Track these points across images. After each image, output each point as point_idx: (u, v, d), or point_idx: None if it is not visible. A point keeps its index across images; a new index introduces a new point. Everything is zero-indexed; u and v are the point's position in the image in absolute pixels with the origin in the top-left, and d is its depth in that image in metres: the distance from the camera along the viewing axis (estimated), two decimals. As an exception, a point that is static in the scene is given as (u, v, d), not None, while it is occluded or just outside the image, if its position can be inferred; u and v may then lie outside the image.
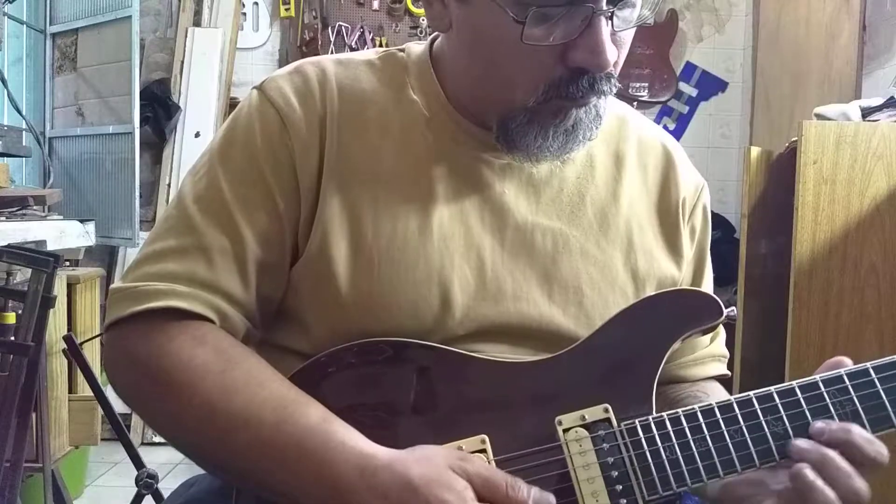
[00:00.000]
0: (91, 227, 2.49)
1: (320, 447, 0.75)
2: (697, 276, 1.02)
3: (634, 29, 0.84)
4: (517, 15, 0.78)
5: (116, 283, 0.87)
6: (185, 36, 3.79)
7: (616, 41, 0.82)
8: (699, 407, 0.80)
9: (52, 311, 2.07)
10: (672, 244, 0.97)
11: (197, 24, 3.83)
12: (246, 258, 0.86)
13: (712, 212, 1.05)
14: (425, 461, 0.74)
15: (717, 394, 0.97)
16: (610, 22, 0.79)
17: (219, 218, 0.86)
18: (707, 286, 1.03)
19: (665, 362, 0.86)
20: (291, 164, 0.87)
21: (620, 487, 0.78)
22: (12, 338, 2.06)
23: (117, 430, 2.28)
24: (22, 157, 2.89)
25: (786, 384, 0.80)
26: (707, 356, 1.02)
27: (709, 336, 1.03)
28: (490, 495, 0.73)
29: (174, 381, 0.80)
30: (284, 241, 0.88)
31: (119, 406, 2.32)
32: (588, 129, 0.86)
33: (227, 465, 0.79)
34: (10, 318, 2.11)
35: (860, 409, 0.78)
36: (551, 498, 0.75)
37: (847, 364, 0.81)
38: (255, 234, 0.86)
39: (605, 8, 0.78)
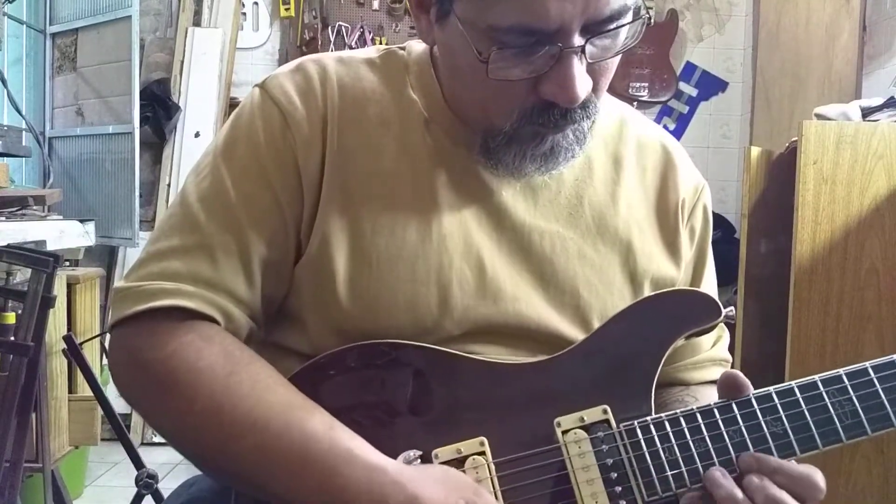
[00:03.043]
0: (91, 227, 2.49)
1: (325, 455, 0.74)
2: (697, 276, 1.01)
3: (618, 56, 0.82)
4: (482, 51, 0.77)
5: (120, 283, 0.86)
6: (185, 36, 3.79)
7: (596, 69, 0.80)
8: (698, 408, 0.80)
9: (51, 311, 2.07)
10: (671, 245, 0.97)
11: (197, 24, 3.83)
12: (250, 257, 0.86)
13: (713, 212, 1.04)
14: (437, 485, 0.73)
15: (708, 399, 0.97)
16: (583, 56, 0.77)
17: (223, 216, 0.86)
18: (707, 286, 1.02)
19: (664, 364, 0.85)
20: (294, 161, 0.87)
21: (620, 489, 0.78)
22: (12, 338, 2.07)
23: (117, 431, 2.28)
24: (22, 157, 2.89)
25: (785, 384, 0.80)
26: (707, 360, 1.01)
27: (711, 340, 1.02)
28: None
29: (179, 383, 0.79)
30: (288, 239, 0.88)
31: (119, 406, 2.33)
32: (568, 151, 0.85)
33: (230, 469, 0.79)
34: (10, 318, 2.11)
35: (859, 408, 0.78)
36: None
37: (741, 380, 0.80)
38: (259, 233, 0.86)
39: (575, 45, 0.76)
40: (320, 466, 0.74)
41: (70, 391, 2.55)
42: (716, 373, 1.01)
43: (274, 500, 0.77)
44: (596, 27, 0.77)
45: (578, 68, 0.77)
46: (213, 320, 0.83)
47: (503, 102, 0.82)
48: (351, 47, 3.86)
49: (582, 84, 0.78)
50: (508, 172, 0.87)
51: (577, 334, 0.89)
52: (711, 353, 1.02)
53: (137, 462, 2.26)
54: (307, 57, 0.94)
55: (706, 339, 1.02)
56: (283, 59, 3.95)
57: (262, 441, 0.75)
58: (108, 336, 0.88)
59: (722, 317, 0.87)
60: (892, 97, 2.40)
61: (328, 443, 0.75)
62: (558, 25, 0.75)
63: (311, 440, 0.75)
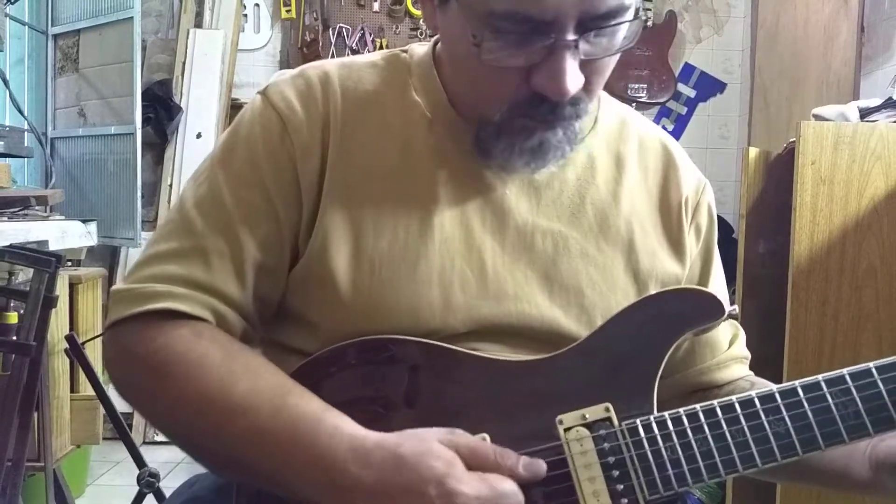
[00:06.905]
0: (93, 227, 2.49)
1: (312, 431, 0.76)
2: (705, 273, 1.01)
3: (616, 56, 0.83)
4: (477, 34, 0.78)
5: (117, 285, 0.88)
6: (187, 37, 3.79)
7: (590, 67, 0.81)
8: (701, 406, 0.80)
9: (53, 310, 2.08)
10: (675, 243, 0.97)
11: (198, 25, 3.83)
12: (244, 261, 0.87)
13: (711, 212, 1.04)
14: (414, 437, 0.75)
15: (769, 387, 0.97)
16: (576, 52, 0.78)
17: (218, 222, 0.87)
18: (716, 282, 1.02)
19: (686, 368, 0.84)
20: (293, 167, 0.88)
21: (621, 487, 0.78)
22: (14, 337, 2.07)
23: (119, 430, 2.28)
24: (24, 157, 2.89)
25: (788, 384, 0.80)
26: (728, 359, 1.01)
27: (727, 339, 1.02)
28: (478, 463, 0.74)
29: (171, 373, 0.81)
30: (283, 245, 0.88)
31: (121, 405, 2.33)
32: (558, 150, 0.86)
33: (222, 453, 0.80)
34: (13, 317, 2.12)
35: (862, 409, 0.78)
36: (541, 463, 0.76)
37: None
38: (253, 238, 0.87)
39: (569, 39, 0.77)
40: (308, 442, 0.75)
41: (72, 390, 2.55)
42: (738, 371, 1.02)
43: (266, 482, 0.78)
44: (592, 23, 0.77)
45: (570, 63, 0.78)
46: (204, 321, 0.85)
47: (495, 91, 0.83)
48: (352, 49, 3.87)
49: (572, 79, 0.78)
50: (498, 165, 0.88)
51: (582, 333, 0.89)
52: (731, 353, 1.01)
53: (139, 461, 2.26)
54: (310, 63, 0.95)
55: (722, 339, 1.01)
56: (284, 60, 3.96)
57: (254, 424, 0.77)
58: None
59: (726, 315, 0.87)
60: (890, 98, 2.40)
61: (316, 420, 0.76)
62: (553, 16, 0.75)
63: (300, 420, 0.76)
